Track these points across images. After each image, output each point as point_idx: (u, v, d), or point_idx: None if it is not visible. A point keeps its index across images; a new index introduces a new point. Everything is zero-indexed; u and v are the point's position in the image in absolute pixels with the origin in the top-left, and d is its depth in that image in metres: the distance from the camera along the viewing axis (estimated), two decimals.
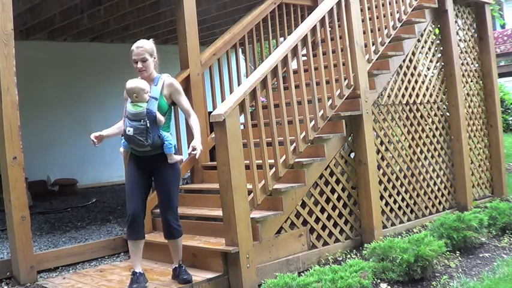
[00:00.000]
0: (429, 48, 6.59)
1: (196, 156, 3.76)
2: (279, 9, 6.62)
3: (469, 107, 7.10)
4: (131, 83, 3.72)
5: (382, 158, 5.72)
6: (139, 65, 3.75)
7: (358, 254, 4.98)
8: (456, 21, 6.95)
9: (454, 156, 6.66)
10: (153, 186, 4.00)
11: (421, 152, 6.28)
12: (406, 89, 6.16)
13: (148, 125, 3.62)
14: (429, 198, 6.32)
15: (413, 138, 6.19)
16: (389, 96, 5.92)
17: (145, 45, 3.77)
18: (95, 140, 3.78)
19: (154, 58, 3.85)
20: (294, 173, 4.82)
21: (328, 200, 5.07)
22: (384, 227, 5.53)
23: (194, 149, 3.71)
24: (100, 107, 9.37)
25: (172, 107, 3.94)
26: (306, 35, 4.89)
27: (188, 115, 3.91)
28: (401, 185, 5.93)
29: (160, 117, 3.72)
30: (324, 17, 5.11)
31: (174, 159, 3.84)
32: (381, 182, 5.58)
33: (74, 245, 5.19)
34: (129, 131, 3.64)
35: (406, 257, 4.17)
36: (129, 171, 3.88)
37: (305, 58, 5.28)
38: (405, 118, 6.13)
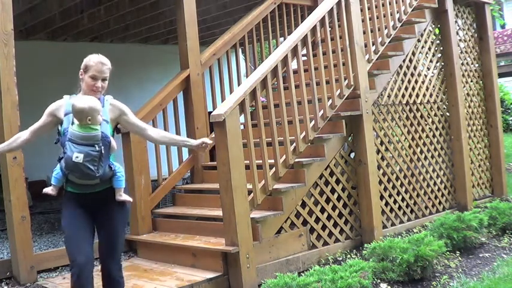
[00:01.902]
0: (429, 48, 6.59)
1: (206, 146, 3.37)
2: (279, 9, 6.62)
3: (469, 107, 7.10)
4: (82, 103, 3.01)
5: (382, 158, 5.72)
6: (99, 84, 3.17)
7: (358, 254, 4.98)
8: (456, 21, 6.95)
9: (454, 156, 6.66)
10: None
11: (421, 152, 6.27)
12: (406, 89, 6.16)
13: (103, 151, 2.99)
14: (429, 198, 6.32)
15: (413, 138, 6.19)
16: (389, 96, 5.92)
17: (109, 64, 3.25)
18: None
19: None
20: (294, 173, 4.82)
21: (328, 200, 5.07)
22: (384, 227, 5.53)
23: (204, 143, 3.34)
24: None
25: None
26: (306, 35, 4.89)
27: (145, 129, 3.34)
28: (401, 185, 5.93)
29: (114, 144, 3.13)
30: (324, 17, 5.11)
31: (124, 197, 3.17)
32: (381, 182, 5.58)
33: None
34: (77, 157, 2.92)
35: (406, 257, 4.17)
36: (68, 212, 3.15)
37: (305, 58, 5.28)
38: (405, 118, 6.13)
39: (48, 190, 3.16)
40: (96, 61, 3.18)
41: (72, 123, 3.03)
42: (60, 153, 3.08)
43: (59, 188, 3.17)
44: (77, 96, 3.17)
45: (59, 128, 3.14)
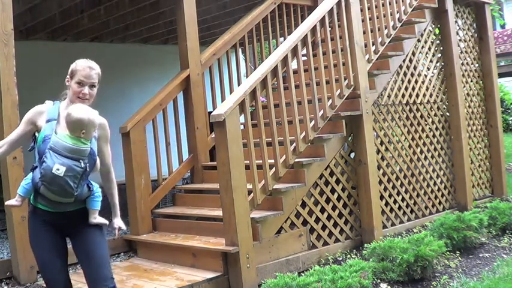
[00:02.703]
0: (429, 48, 6.59)
1: (119, 233, 3.07)
2: (279, 9, 6.62)
3: (469, 107, 7.10)
4: (81, 113, 2.74)
5: (382, 158, 5.72)
6: (86, 90, 2.86)
7: (358, 254, 4.98)
8: (456, 21, 6.95)
9: (454, 156, 6.66)
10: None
11: (421, 152, 6.27)
12: (406, 89, 6.16)
13: (87, 168, 2.73)
14: (429, 198, 6.32)
15: (413, 138, 6.19)
16: (389, 96, 5.92)
17: (98, 69, 2.94)
18: None
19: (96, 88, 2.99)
20: (294, 173, 4.82)
21: (328, 200, 5.07)
22: (384, 227, 5.53)
23: (120, 228, 3.02)
24: (99, 107, 9.35)
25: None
26: (306, 35, 4.89)
27: (108, 171, 3.03)
28: (401, 185, 5.93)
29: (99, 164, 2.89)
30: (324, 17, 5.11)
31: (98, 220, 2.88)
32: (381, 182, 5.58)
33: None
34: (58, 169, 2.61)
35: (406, 257, 4.17)
36: (36, 234, 2.84)
37: (305, 58, 5.28)
38: (405, 118, 6.13)
39: (12, 202, 2.85)
40: (84, 66, 2.89)
41: (56, 132, 2.75)
42: (34, 162, 2.79)
43: (24, 199, 2.85)
44: (67, 106, 2.88)
45: (36, 134, 2.84)
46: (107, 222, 2.92)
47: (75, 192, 2.70)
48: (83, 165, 2.70)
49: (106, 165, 3.00)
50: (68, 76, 2.94)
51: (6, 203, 2.92)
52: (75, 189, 2.69)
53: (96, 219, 2.88)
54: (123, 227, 3.04)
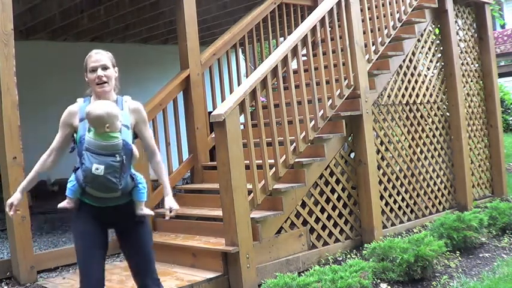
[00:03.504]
0: (429, 48, 6.59)
1: (172, 214, 2.95)
2: (279, 9, 6.62)
3: (469, 107, 7.10)
4: (99, 109, 2.69)
5: (382, 158, 5.72)
6: (100, 72, 2.84)
7: (358, 254, 4.98)
8: (456, 21, 6.95)
9: (454, 156, 6.66)
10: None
11: (421, 152, 6.27)
12: (406, 89, 6.16)
13: (124, 161, 2.71)
14: (429, 198, 6.32)
15: (413, 138, 6.19)
16: (389, 96, 5.92)
17: (106, 53, 2.95)
18: (12, 213, 2.89)
19: (116, 72, 2.96)
20: (294, 173, 4.82)
21: (328, 200, 5.07)
22: (384, 227, 5.53)
23: (171, 209, 2.92)
24: None
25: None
26: (306, 35, 4.89)
27: (153, 153, 3.01)
28: (401, 185, 5.93)
29: (136, 152, 2.85)
30: (324, 17, 5.11)
31: (145, 211, 2.88)
32: (381, 182, 5.58)
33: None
34: (97, 169, 2.64)
35: (406, 257, 4.17)
36: (80, 227, 2.87)
37: (305, 58, 5.28)
38: (405, 118, 6.13)
39: (64, 204, 2.87)
40: (90, 54, 2.91)
41: (89, 130, 2.73)
42: (76, 163, 2.81)
43: (75, 200, 2.87)
44: (91, 102, 2.85)
45: (74, 135, 2.87)
46: (152, 213, 2.97)
47: (120, 186, 2.71)
48: (119, 158, 2.69)
49: (150, 147, 3.00)
50: (84, 73, 2.94)
51: (59, 205, 2.88)
52: (118, 183, 2.70)
53: (143, 210, 2.87)
54: (175, 206, 2.92)
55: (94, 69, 2.86)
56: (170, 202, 2.92)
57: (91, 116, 2.71)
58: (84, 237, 2.84)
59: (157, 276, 2.97)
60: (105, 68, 2.87)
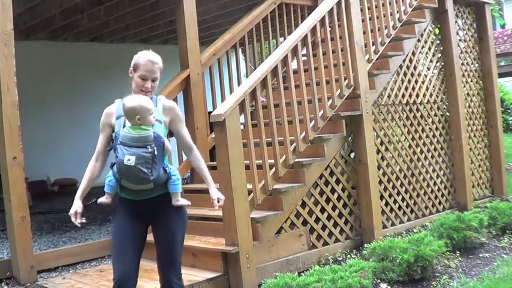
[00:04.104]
0: (429, 48, 6.59)
1: (220, 204, 3.06)
2: (279, 9, 6.62)
3: (469, 107, 7.10)
4: (132, 101, 2.84)
5: (382, 158, 5.72)
6: (149, 84, 2.94)
7: (358, 254, 4.98)
8: (456, 21, 6.95)
9: (454, 156, 6.66)
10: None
11: (421, 152, 6.27)
12: (406, 89, 6.16)
13: (156, 152, 2.79)
14: (429, 198, 6.32)
15: (413, 138, 6.19)
16: (389, 96, 5.92)
17: (160, 63, 3.01)
18: (79, 221, 2.95)
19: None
20: (294, 173, 4.82)
21: (328, 200, 5.07)
22: (384, 227, 5.53)
23: (219, 199, 3.03)
24: (100, 107, 9.30)
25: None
26: (306, 35, 4.89)
27: (190, 149, 3.07)
28: (401, 185, 5.93)
29: (169, 145, 2.92)
30: (324, 17, 5.11)
31: (181, 202, 2.96)
32: (381, 182, 5.58)
33: (74, 245, 5.19)
34: (129, 160, 2.74)
35: (406, 257, 4.17)
36: (118, 222, 2.99)
37: (305, 58, 5.28)
38: (405, 118, 6.13)
39: (102, 199, 2.96)
40: (146, 60, 2.94)
41: (124, 126, 2.86)
42: (112, 159, 2.88)
43: (114, 195, 2.96)
44: (127, 96, 2.96)
45: (112, 133, 2.97)
46: (189, 202, 2.99)
47: (151, 177, 2.78)
48: (150, 150, 2.76)
49: (185, 144, 3.06)
50: (131, 68, 2.99)
51: (99, 200, 2.98)
52: (149, 174, 2.76)
53: (179, 201, 2.94)
54: (222, 196, 3.03)
55: (144, 78, 2.94)
56: (217, 193, 3.04)
57: (125, 107, 2.85)
58: (118, 232, 2.94)
59: (181, 275, 3.05)
60: (154, 80, 2.97)
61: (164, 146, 2.85)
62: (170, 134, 3.04)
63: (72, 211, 2.93)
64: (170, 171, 2.90)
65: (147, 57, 2.96)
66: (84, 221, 2.96)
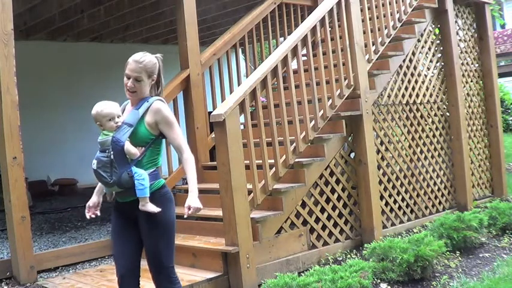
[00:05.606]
0: (429, 48, 6.59)
1: (190, 213, 2.90)
2: (279, 9, 6.62)
3: (469, 107, 7.10)
4: (94, 108, 2.93)
5: (382, 158, 5.72)
6: (130, 83, 2.92)
7: (358, 254, 4.98)
8: (456, 21, 6.95)
9: (454, 156, 6.66)
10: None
11: (421, 152, 6.27)
12: (406, 89, 6.16)
13: (112, 157, 2.82)
14: (429, 198, 6.32)
15: (413, 138, 6.19)
16: (389, 96, 5.92)
17: (146, 62, 2.95)
18: (93, 214, 3.09)
19: (153, 80, 3.02)
20: (294, 173, 4.82)
21: (328, 200, 5.07)
22: (384, 227, 5.53)
23: (189, 208, 2.88)
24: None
25: (163, 139, 3.05)
26: (306, 35, 4.89)
27: (180, 152, 2.98)
28: (401, 185, 5.93)
29: (131, 149, 2.86)
30: (324, 17, 5.11)
31: (147, 208, 2.87)
32: (380, 182, 5.58)
33: (74, 245, 5.19)
34: (93, 163, 2.88)
35: (406, 257, 4.16)
36: (112, 222, 3.11)
37: (305, 58, 5.28)
38: (405, 118, 6.13)
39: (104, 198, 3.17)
40: (131, 59, 2.95)
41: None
42: None
43: (110, 194, 3.07)
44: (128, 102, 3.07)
45: None
46: (156, 210, 2.88)
47: (110, 180, 2.85)
48: (107, 154, 2.84)
49: (175, 147, 3.00)
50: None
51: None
52: (109, 178, 2.85)
53: (145, 206, 2.88)
54: (195, 205, 2.88)
55: (127, 77, 2.95)
56: (189, 200, 2.90)
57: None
58: (113, 230, 3.08)
59: (172, 276, 3.01)
60: (137, 79, 2.93)
61: (123, 150, 2.83)
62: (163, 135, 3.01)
63: (88, 203, 3.10)
64: (135, 175, 2.86)
65: (132, 57, 2.97)
66: (93, 216, 3.08)
